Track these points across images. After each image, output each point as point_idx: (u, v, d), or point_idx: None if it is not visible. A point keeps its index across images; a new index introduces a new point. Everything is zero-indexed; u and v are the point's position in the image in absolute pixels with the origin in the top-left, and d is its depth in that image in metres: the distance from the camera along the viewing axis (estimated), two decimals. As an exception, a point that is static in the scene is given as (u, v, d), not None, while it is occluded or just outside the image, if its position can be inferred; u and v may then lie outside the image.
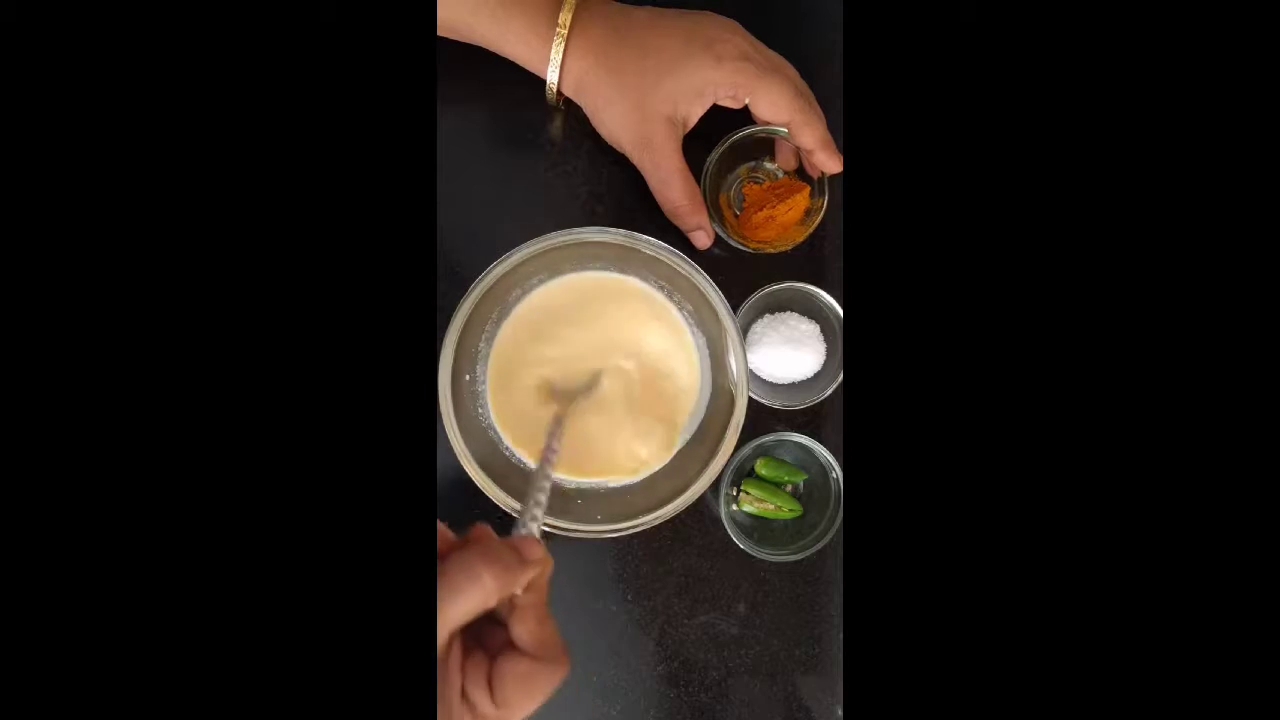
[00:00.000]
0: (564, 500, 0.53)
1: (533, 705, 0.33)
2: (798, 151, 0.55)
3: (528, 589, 0.34)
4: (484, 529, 0.35)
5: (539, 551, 0.35)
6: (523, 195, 0.58)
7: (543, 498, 0.40)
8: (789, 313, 0.57)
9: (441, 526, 0.34)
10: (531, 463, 0.54)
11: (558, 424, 0.47)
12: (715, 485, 0.52)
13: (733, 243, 0.55)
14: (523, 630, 0.34)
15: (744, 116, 0.56)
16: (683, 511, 0.50)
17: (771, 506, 0.56)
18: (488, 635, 0.35)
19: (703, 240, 0.55)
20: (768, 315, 0.57)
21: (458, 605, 0.32)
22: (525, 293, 0.54)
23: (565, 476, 0.54)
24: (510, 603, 0.34)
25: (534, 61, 0.52)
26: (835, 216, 0.57)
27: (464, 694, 0.33)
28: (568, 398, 0.52)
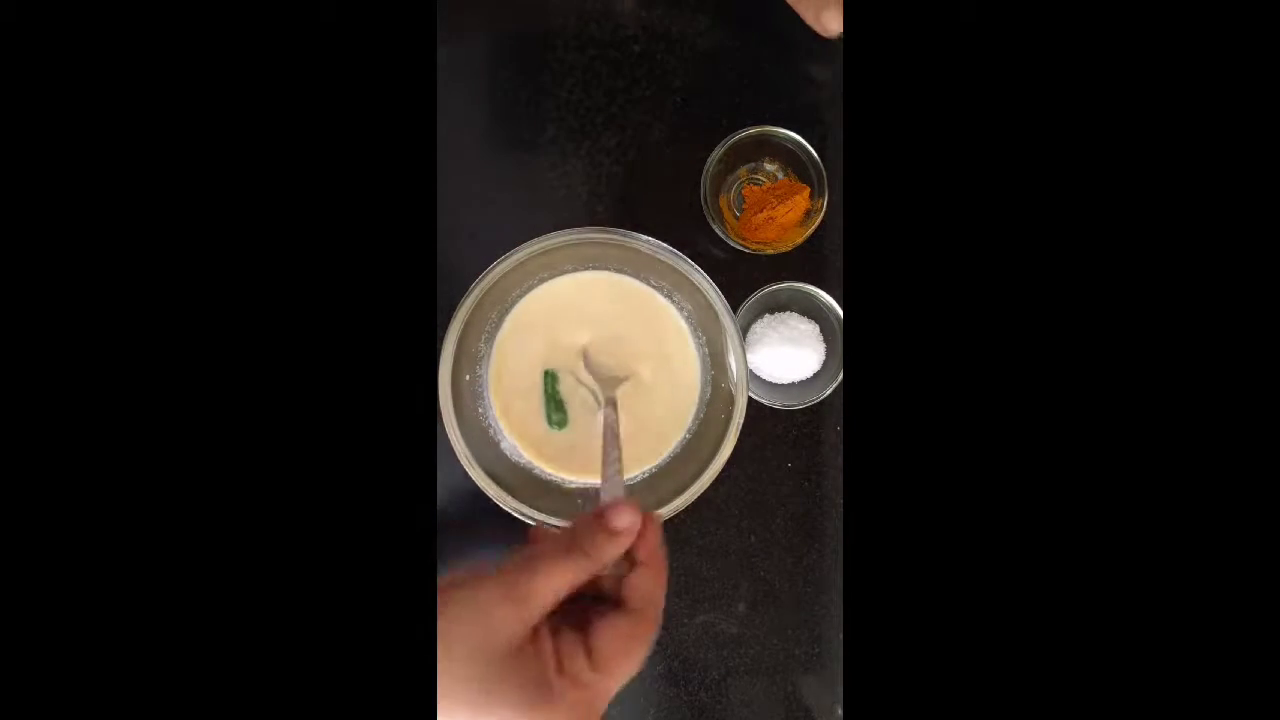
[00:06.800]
0: (564, 500, 0.53)
1: (631, 666, 0.34)
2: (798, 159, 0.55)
3: (641, 547, 0.35)
4: (581, 517, 0.36)
5: (627, 518, 0.35)
6: (523, 195, 0.58)
7: (617, 466, 0.42)
8: (789, 313, 0.57)
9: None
10: (533, 463, 0.54)
11: (611, 406, 0.50)
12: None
13: (733, 243, 0.55)
14: (638, 582, 0.35)
15: (743, 118, 0.56)
16: (682, 511, 0.50)
17: None
18: (577, 614, 0.35)
19: (836, 22, 0.51)
20: (768, 315, 0.57)
21: (550, 581, 0.32)
22: (525, 293, 0.54)
23: (565, 476, 0.54)
24: (629, 562, 0.35)
25: None
26: (835, 216, 0.57)
27: (560, 667, 0.33)
28: (613, 383, 0.53)
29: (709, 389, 0.54)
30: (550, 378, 0.53)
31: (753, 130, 0.55)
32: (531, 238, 0.48)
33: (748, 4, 0.57)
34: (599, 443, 0.54)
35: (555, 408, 0.54)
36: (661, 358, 0.54)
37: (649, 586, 0.35)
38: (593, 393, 0.54)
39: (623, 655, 0.34)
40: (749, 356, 0.56)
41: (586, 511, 0.51)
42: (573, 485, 0.54)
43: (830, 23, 0.53)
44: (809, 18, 0.53)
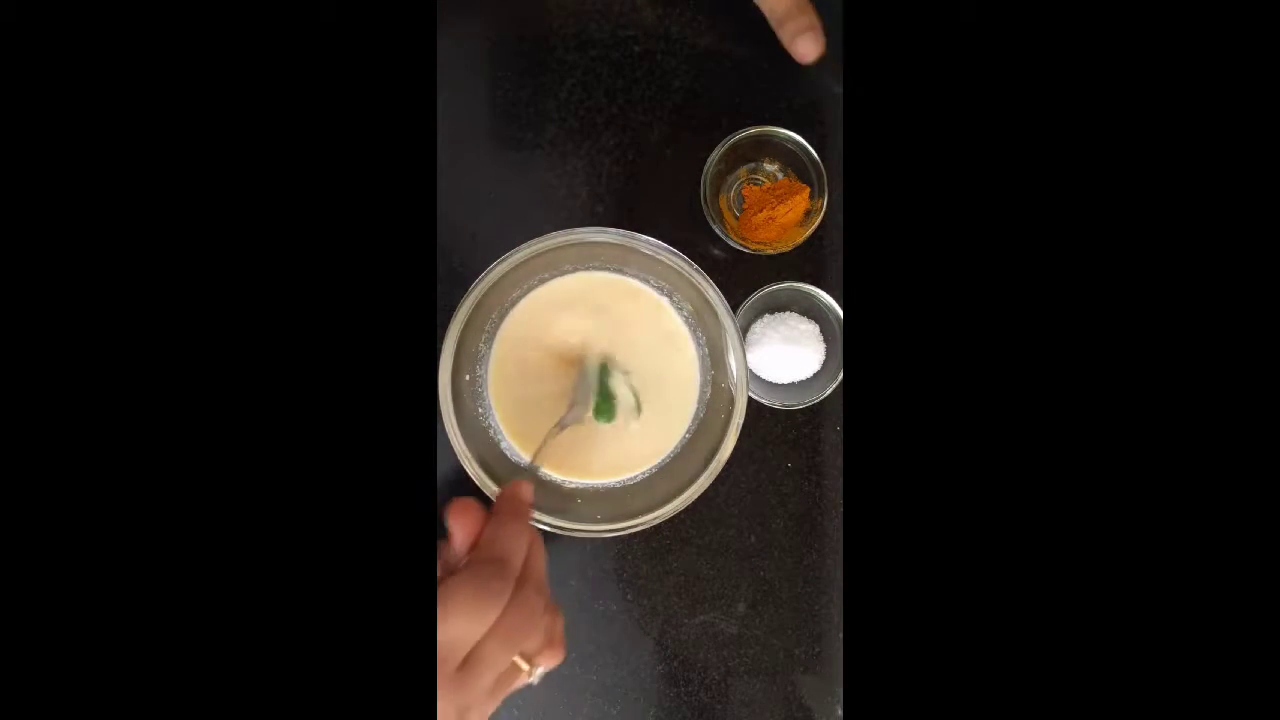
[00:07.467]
0: (564, 500, 0.53)
1: (475, 624, 0.35)
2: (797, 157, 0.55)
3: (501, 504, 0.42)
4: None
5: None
6: (523, 195, 0.58)
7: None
8: (789, 313, 0.57)
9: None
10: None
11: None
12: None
13: (733, 243, 0.55)
14: (489, 530, 0.40)
15: (743, 118, 0.56)
16: (682, 511, 0.50)
17: None
18: None
19: (811, 48, 0.52)
20: (767, 315, 0.57)
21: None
22: (526, 293, 0.54)
23: (565, 477, 0.54)
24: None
25: None
26: (835, 216, 0.57)
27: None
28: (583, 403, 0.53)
29: (709, 389, 0.54)
30: (604, 370, 0.53)
31: (753, 130, 0.55)
32: (531, 238, 0.48)
33: (748, 4, 0.57)
34: (595, 445, 0.54)
35: (605, 399, 0.53)
36: (661, 358, 0.54)
37: (494, 534, 0.39)
38: (635, 394, 0.54)
39: (474, 613, 0.34)
40: (749, 356, 0.56)
41: (586, 510, 0.51)
42: (571, 485, 0.54)
43: (806, 48, 0.53)
44: (785, 42, 0.54)
